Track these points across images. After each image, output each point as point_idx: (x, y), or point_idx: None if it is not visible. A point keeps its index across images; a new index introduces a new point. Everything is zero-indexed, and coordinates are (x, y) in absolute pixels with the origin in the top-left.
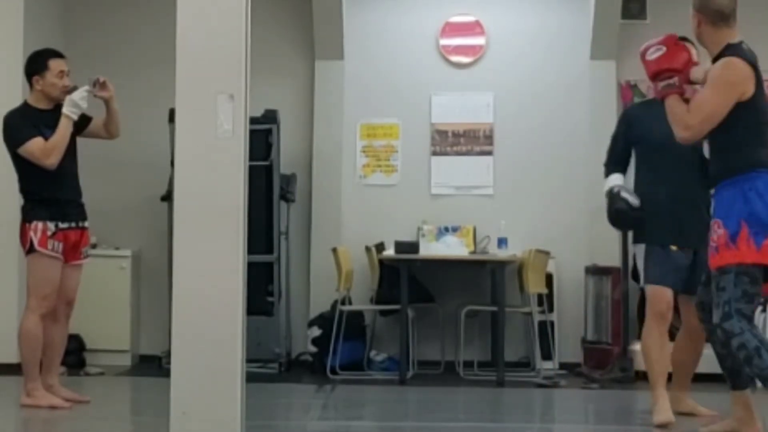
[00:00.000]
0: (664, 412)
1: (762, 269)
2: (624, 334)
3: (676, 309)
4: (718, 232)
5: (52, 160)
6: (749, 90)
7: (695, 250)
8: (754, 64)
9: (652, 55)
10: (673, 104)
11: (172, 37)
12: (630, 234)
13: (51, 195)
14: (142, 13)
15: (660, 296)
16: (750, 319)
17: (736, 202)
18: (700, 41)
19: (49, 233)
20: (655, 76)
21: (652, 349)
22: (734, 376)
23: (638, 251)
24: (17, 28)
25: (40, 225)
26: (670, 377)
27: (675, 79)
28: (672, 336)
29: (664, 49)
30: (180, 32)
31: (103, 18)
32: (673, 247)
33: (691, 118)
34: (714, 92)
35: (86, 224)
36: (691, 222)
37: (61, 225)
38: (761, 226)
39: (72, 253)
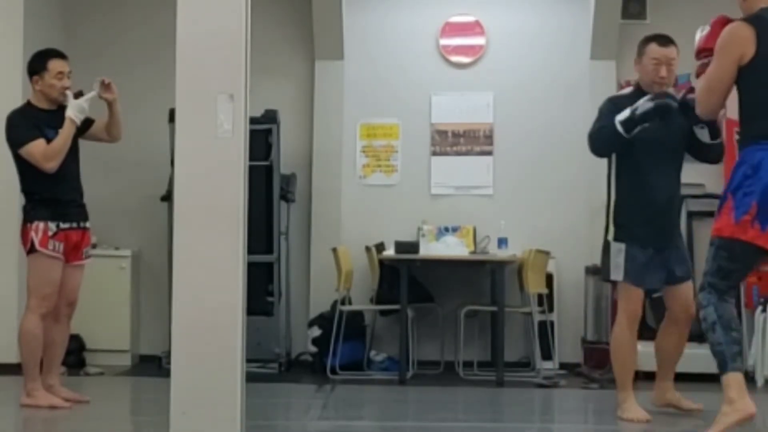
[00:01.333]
0: (635, 410)
1: (750, 247)
2: None
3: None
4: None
5: (51, 164)
6: (748, 52)
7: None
8: (759, 26)
9: (698, 35)
10: (699, 82)
11: (172, 37)
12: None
13: (52, 195)
14: (142, 12)
15: (636, 297)
16: (721, 293)
17: (733, 174)
18: (741, 9)
19: (50, 233)
20: (696, 55)
21: (623, 349)
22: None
23: (616, 249)
24: (17, 28)
25: (41, 225)
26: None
27: (709, 59)
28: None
29: (708, 29)
30: (180, 32)
31: (103, 18)
32: (651, 250)
33: (699, 94)
34: (713, 62)
35: (88, 224)
36: (670, 224)
37: (63, 225)
38: (744, 199)
39: (73, 253)
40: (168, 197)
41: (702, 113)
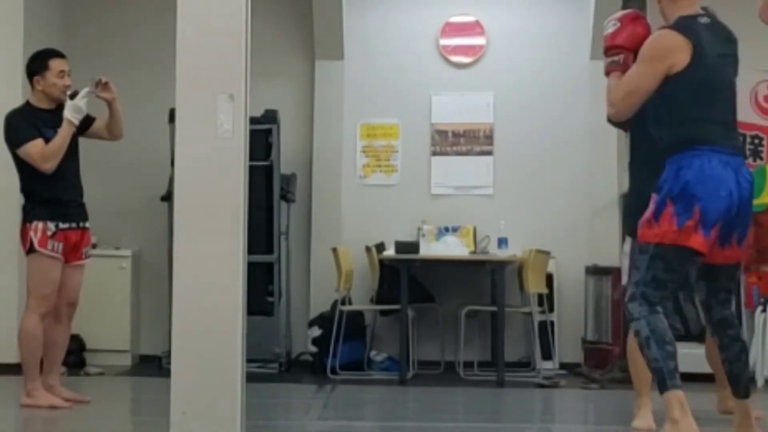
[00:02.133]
0: (647, 419)
1: (690, 255)
2: (624, 334)
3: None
4: (649, 207)
5: (49, 165)
6: (679, 62)
7: None
8: (692, 36)
9: (607, 30)
10: (610, 82)
11: (172, 37)
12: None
13: (52, 195)
14: (142, 13)
15: None
16: (653, 305)
17: (667, 180)
18: (662, 16)
19: (49, 233)
20: (605, 52)
21: (636, 353)
22: (734, 382)
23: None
24: (17, 28)
25: (40, 225)
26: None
27: (620, 57)
28: None
29: (619, 24)
30: (180, 32)
31: (103, 18)
32: None
33: (614, 95)
34: (637, 66)
35: (87, 224)
36: None
37: (62, 225)
38: (686, 205)
39: (73, 253)
40: (168, 197)
41: (617, 115)
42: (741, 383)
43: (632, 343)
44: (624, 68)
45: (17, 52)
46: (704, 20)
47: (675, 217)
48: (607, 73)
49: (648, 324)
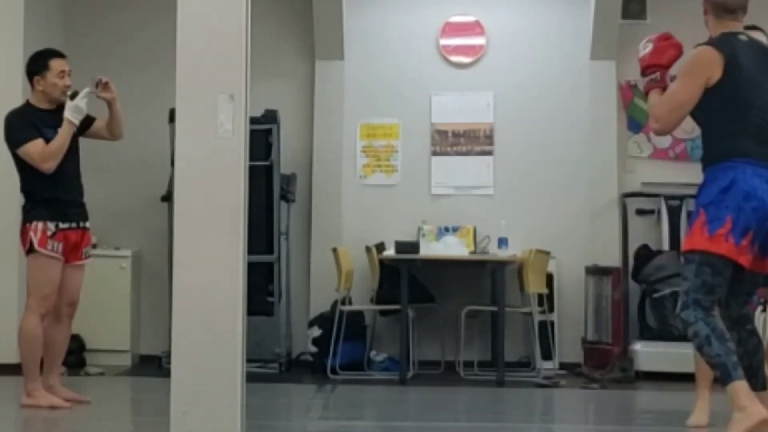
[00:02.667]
0: (698, 414)
1: (725, 261)
2: (624, 334)
3: None
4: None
5: (49, 165)
6: (715, 75)
7: None
8: (727, 50)
9: (641, 52)
10: (651, 98)
11: (172, 36)
12: (629, 235)
13: (52, 195)
14: (142, 13)
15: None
16: (707, 309)
17: (703, 190)
18: (707, 28)
19: (49, 233)
20: (642, 72)
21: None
22: (751, 375)
23: None
24: (17, 28)
25: (40, 225)
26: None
27: (657, 74)
28: None
29: (651, 46)
30: (180, 32)
31: (103, 18)
32: None
33: (659, 110)
34: (678, 82)
35: (87, 224)
36: None
37: (62, 225)
38: (717, 214)
39: (73, 253)
40: (168, 197)
41: (661, 130)
42: (759, 376)
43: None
44: (662, 85)
45: (17, 52)
46: (743, 38)
47: (706, 225)
48: (647, 92)
49: (707, 324)
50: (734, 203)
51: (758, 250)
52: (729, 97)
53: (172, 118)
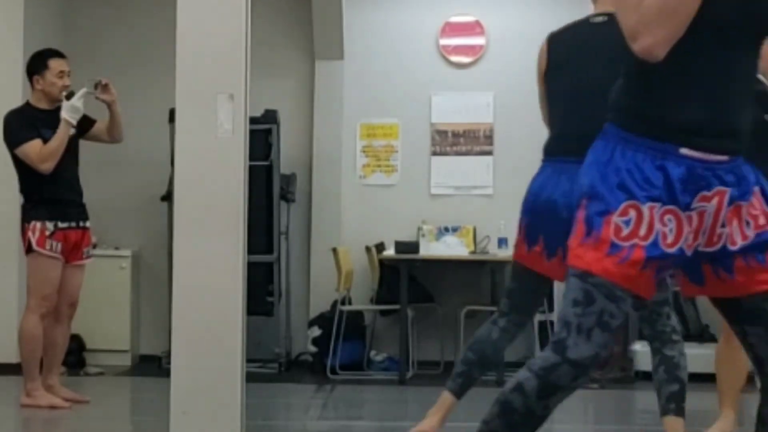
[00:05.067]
0: (720, 424)
1: (522, 267)
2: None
3: None
4: None
5: (47, 165)
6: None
7: None
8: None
9: None
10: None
11: (172, 37)
12: None
13: (51, 195)
14: (142, 13)
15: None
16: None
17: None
18: None
19: (47, 233)
20: None
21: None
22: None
23: None
24: (17, 28)
25: (38, 225)
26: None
27: None
28: None
29: None
30: (180, 32)
31: (103, 18)
32: None
33: (643, 16)
34: None
35: (87, 224)
36: None
37: (61, 225)
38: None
39: (73, 253)
40: (168, 197)
41: (649, 47)
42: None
43: (720, 349)
44: None
45: (17, 52)
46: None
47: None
48: None
49: None
50: (527, 207)
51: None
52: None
53: (172, 118)
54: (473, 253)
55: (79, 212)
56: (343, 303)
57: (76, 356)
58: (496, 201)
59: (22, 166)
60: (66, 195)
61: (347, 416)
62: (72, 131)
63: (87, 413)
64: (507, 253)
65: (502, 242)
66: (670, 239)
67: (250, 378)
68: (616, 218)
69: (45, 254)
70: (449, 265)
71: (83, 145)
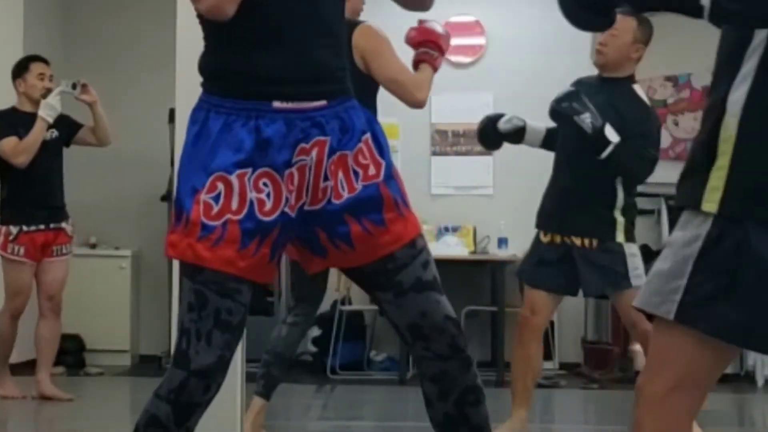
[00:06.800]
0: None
1: None
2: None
3: None
4: None
5: (21, 159)
6: None
7: None
8: None
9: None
10: (429, 72)
11: (172, 37)
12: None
13: (20, 199)
14: (143, 13)
15: None
16: None
17: None
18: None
19: (10, 237)
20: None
21: None
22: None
23: (631, 250)
24: (17, 29)
25: (2, 229)
26: None
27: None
28: None
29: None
30: (180, 32)
31: (103, 18)
32: None
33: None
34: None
35: (63, 225)
36: None
37: (26, 228)
38: None
39: (43, 251)
40: (168, 197)
41: (215, 4)
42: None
43: (514, 347)
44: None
45: (17, 53)
46: None
47: None
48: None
49: None
50: None
51: None
52: None
53: (172, 118)
54: (473, 253)
55: (52, 214)
56: (343, 303)
57: (76, 356)
58: (496, 201)
59: None
60: (39, 199)
61: (347, 416)
62: (54, 133)
63: (87, 413)
64: (507, 253)
65: (502, 242)
66: (268, 206)
67: (250, 378)
68: (204, 196)
69: (8, 258)
70: (449, 265)
71: (83, 146)
